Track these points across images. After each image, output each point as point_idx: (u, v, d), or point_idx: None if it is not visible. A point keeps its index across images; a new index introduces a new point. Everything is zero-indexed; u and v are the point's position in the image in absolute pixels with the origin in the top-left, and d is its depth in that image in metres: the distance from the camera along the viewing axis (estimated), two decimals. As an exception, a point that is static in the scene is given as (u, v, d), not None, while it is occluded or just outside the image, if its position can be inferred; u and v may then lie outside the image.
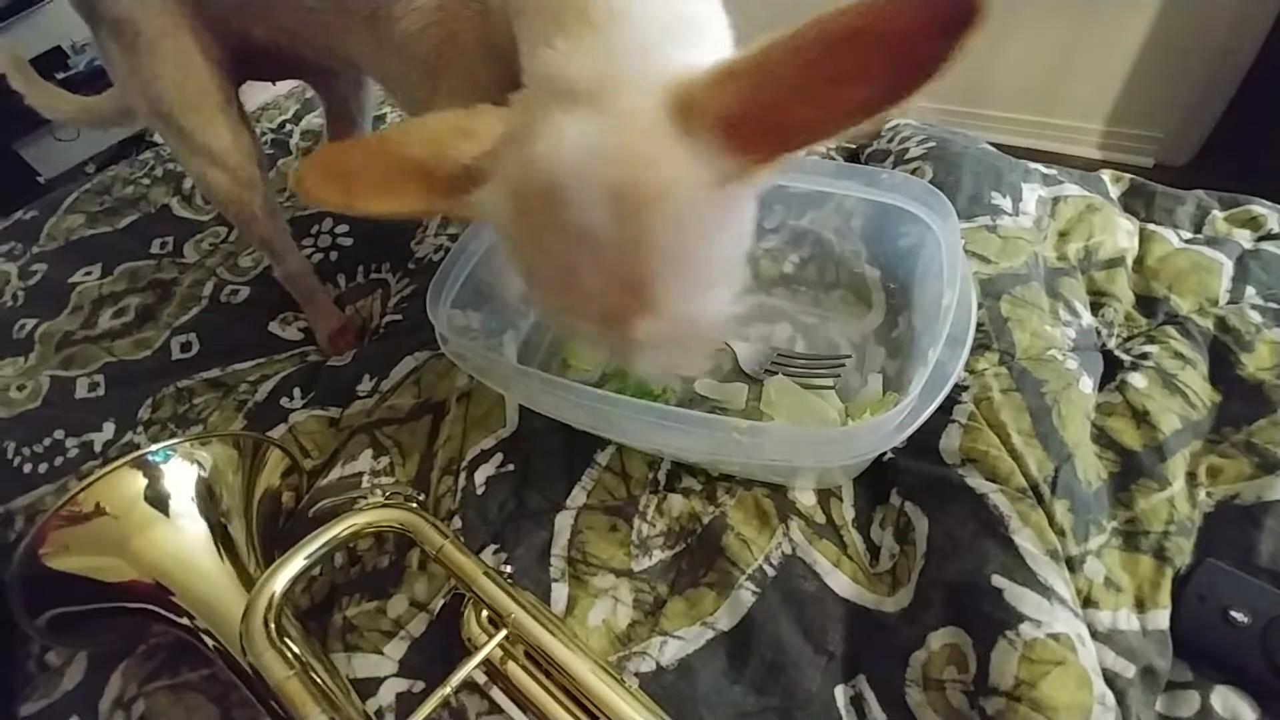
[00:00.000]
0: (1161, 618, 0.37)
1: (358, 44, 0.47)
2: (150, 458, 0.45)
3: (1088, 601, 0.38)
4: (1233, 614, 0.37)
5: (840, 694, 0.39)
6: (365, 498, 0.44)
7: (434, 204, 0.31)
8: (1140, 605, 0.38)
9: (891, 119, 0.71)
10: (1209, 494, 0.42)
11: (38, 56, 1.90)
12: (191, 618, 0.41)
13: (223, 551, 0.43)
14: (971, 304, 0.42)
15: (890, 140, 0.71)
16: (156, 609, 0.41)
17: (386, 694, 0.42)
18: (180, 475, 0.45)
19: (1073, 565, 0.38)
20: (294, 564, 0.38)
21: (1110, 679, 0.35)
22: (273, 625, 0.36)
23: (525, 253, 0.32)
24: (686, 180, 0.26)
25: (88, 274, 0.80)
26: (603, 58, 0.28)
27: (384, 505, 0.43)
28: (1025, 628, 0.35)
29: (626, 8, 0.28)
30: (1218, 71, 1.45)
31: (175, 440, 0.46)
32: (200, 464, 0.45)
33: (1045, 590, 0.36)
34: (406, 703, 0.42)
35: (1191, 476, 0.43)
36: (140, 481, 0.44)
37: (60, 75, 1.97)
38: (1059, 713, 0.33)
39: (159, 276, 0.79)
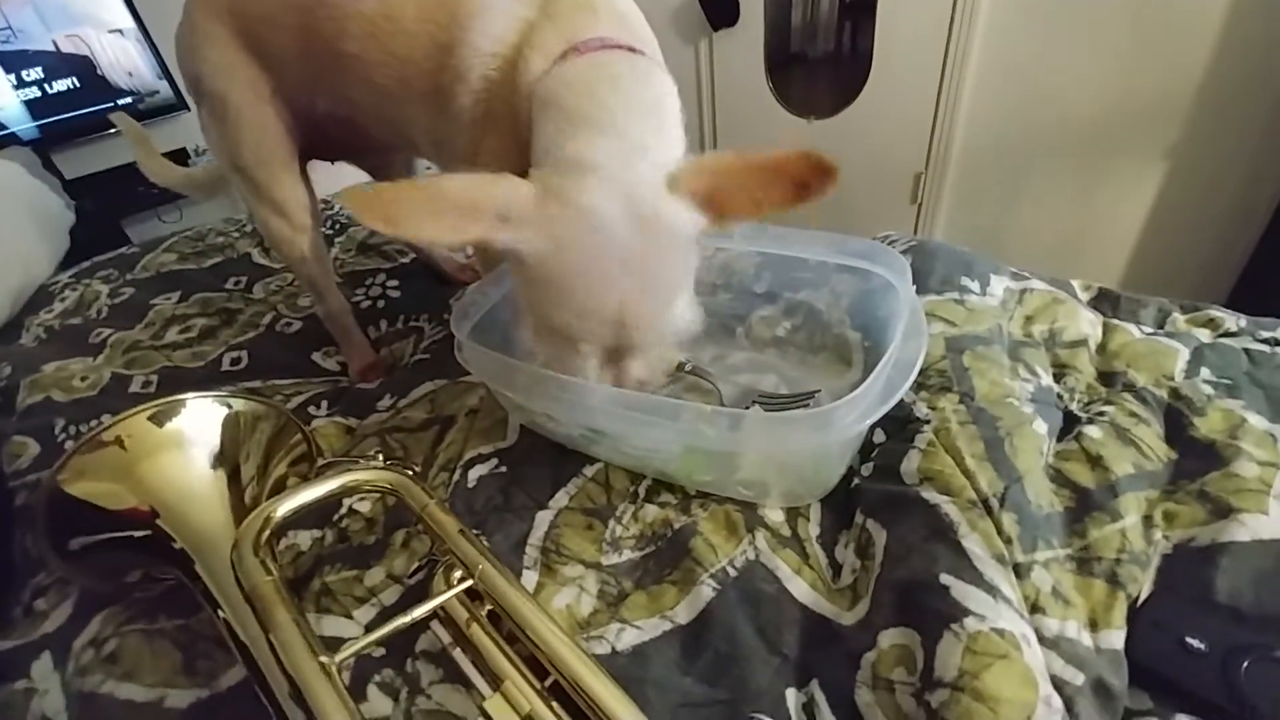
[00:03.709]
0: (1115, 638, 0.38)
1: (415, 113, 0.59)
2: (189, 403, 0.50)
3: (1035, 608, 0.38)
4: (1189, 641, 0.37)
5: (792, 698, 0.39)
6: (369, 460, 0.48)
7: (467, 232, 0.42)
8: (1094, 625, 0.38)
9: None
10: (1166, 537, 0.43)
11: (166, 153, 2.24)
12: (172, 540, 0.43)
13: (228, 492, 0.47)
14: (922, 320, 0.47)
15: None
16: (148, 533, 0.44)
17: (341, 655, 0.43)
18: (206, 415, 0.50)
19: (1019, 572, 0.39)
20: (294, 499, 0.42)
21: (1058, 685, 0.35)
22: (264, 540, 0.39)
23: (554, 280, 0.44)
24: (680, 218, 0.43)
25: (167, 298, 0.91)
26: (618, 152, 0.43)
27: (381, 468, 0.47)
28: (970, 621, 0.36)
29: (625, 124, 0.44)
30: (1230, 237, 1.52)
31: (208, 394, 0.51)
32: (229, 407, 0.50)
33: (991, 589, 0.37)
34: (364, 664, 0.43)
35: (1148, 520, 0.44)
36: (166, 416, 0.49)
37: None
38: (1001, 704, 0.33)
39: (227, 306, 0.90)
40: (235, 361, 0.80)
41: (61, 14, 2.09)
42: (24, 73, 2.05)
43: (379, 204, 0.39)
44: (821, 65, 2.36)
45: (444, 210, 0.41)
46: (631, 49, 0.49)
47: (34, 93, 2.07)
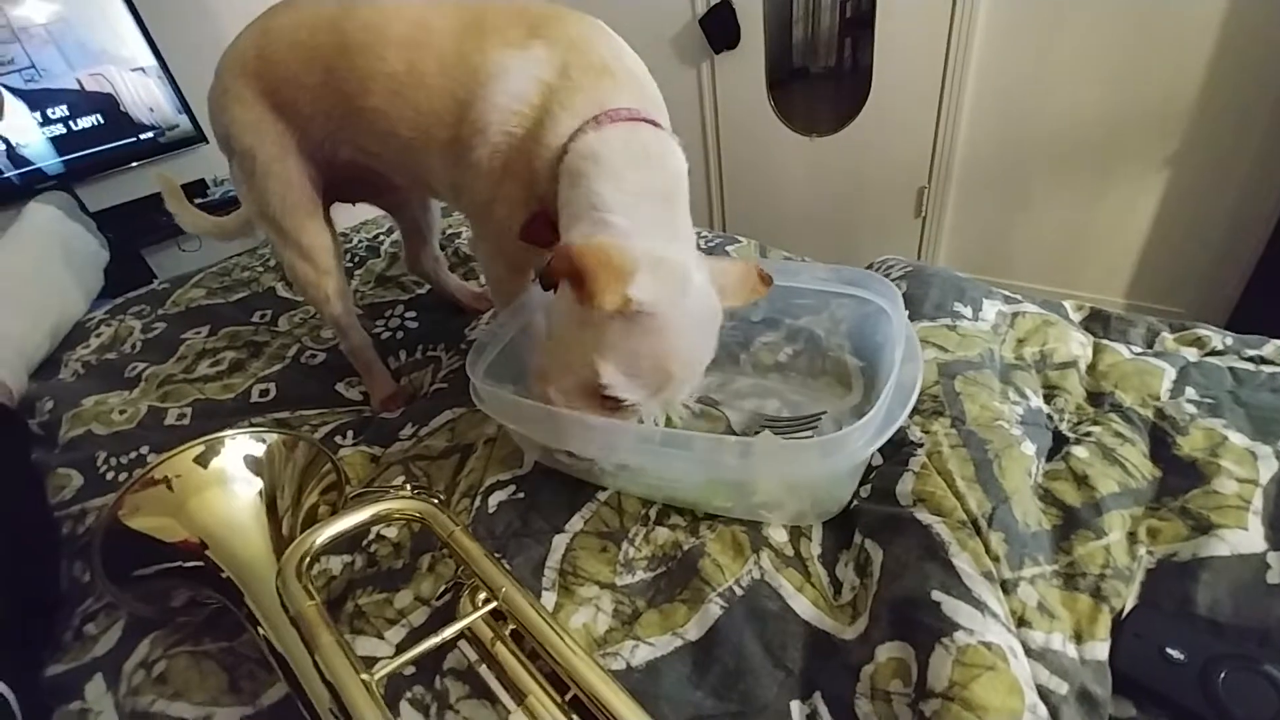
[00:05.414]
0: (1099, 649, 0.40)
1: (434, 162, 0.63)
2: (227, 440, 0.54)
3: (1022, 622, 0.41)
4: (1169, 651, 0.39)
5: (796, 709, 0.42)
6: (397, 490, 0.51)
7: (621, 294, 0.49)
8: (1079, 637, 0.41)
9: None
10: (1150, 552, 0.45)
11: (186, 184, 2.32)
12: (220, 570, 0.47)
13: (267, 522, 0.50)
14: (917, 345, 0.50)
15: (879, 270, 0.84)
16: (199, 563, 0.48)
17: (379, 673, 0.46)
18: (244, 451, 0.53)
19: (1007, 588, 0.42)
20: (331, 528, 0.46)
21: (1044, 694, 0.37)
22: (305, 568, 0.42)
23: (648, 333, 0.50)
24: (717, 304, 0.53)
25: (197, 333, 0.96)
26: (683, 240, 0.54)
27: (409, 497, 0.50)
28: (960, 635, 0.38)
29: (671, 214, 0.54)
30: (1235, 242, 1.53)
31: (245, 429, 0.55)
32: (264, 442, 0.54)
33: (979, 604, 0.40)
34: (396, 682, 0.46)
35: (1132, 536, 0.46)
36: (210, 454, 0.53)
37: (198, 201, 2.38)
38: (989, 713, 0.35)
39: (254, 339, 0.94)
40: (264, 393, 0.84)
41: (84, 53, 2.17)
42: (49, 110, 2.13)
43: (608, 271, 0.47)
44: (823, 81, 2.41)
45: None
46: (655, 123, 0.55)
47: (59, 129, 2.15)
